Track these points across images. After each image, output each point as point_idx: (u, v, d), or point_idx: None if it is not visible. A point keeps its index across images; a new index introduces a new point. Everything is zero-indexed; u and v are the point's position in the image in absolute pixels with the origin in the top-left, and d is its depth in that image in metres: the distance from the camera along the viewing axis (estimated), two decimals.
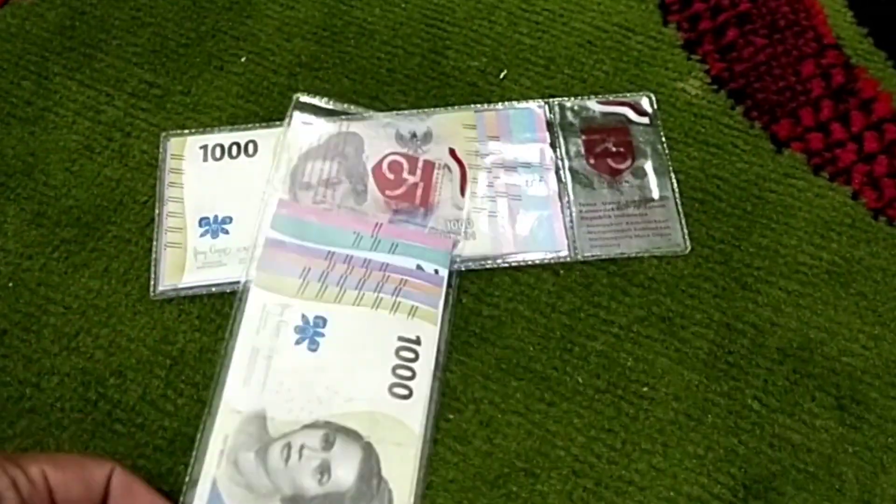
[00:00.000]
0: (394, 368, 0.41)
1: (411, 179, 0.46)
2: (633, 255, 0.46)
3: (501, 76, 0.51)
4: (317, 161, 0.48)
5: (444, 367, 0.42)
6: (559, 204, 0.47)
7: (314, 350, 0.41)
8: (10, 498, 0.29)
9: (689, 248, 0.46)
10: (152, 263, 0.45)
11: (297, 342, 0.41)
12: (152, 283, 0.45)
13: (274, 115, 0.50)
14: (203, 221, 0.46)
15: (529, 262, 0.45)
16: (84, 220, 0.47)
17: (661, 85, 0.51)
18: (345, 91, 0.51)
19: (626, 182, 0.47)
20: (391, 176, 0.46)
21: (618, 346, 0.44)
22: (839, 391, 0.42)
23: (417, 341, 0.41)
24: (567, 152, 0.48)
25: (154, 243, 0.46)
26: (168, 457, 0.41)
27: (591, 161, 0.48)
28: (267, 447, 0.39)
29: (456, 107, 0.50)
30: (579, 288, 0.45)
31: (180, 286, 0.45)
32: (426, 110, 0.49)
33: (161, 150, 0.49)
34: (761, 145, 0.49)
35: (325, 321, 0.42)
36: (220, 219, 0.46)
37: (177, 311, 0.44)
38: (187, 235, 0.46)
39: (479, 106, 0.50)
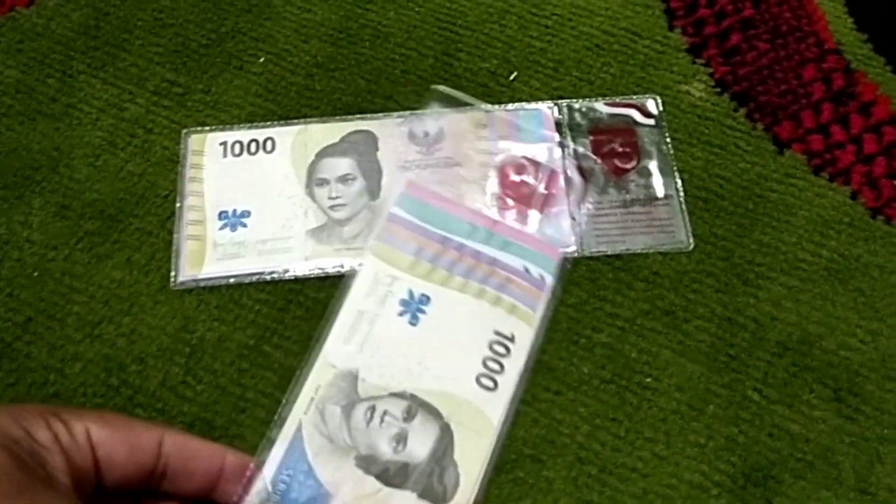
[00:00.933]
0: (485, 360, 0.42)
1: (534, 184, 0.48)
2: (638, 251, 0.47)
3: (511, 78, 0.53)
4: (332, 158, 0.50)
5: (532, 369, 0.43)
6: (567, 201, 0.48)
7: (414, 324, 0.43)
8: (53, 451, 0.29)
9: (693, 245, 0.47)
10: (173, 255, 0.47)
11: (400, 314, 0.43)
12: (173, 273, 0.47)
13: (291, 113, 0.52)
14: (222, 215, 0.48)
15: None
16: (107, 212, 0.49)
17: (667, 87, 0.53)
18: (359, 91, 0.52)
19: (632, 181, 0.49)
20: (516, 178, 0.48)
21: (622, 338, 0.45)
22: (837, 384, 0.44)
23: (512, 339, 0.43)
24: (575, 152, 0.49)
25: (175, 236, 0.48)
26: None
27: (598, 160, 0.49)
28: (353, 405, 0.41)
29: (469, 107, 0.51)
30: (585, 282, 0.47)
31: (200, 277, 0.46)
32: (440, 110, 0.51)
33: (182, 146, 0.50)
34: (763, 146, 0.50)
35: (428, 299, 0.43)
36: (238, 213, 0.48)
37: (196, 301, 0.46)
38: (207, 228, 0.48)
39: (489, 106, 0.51)
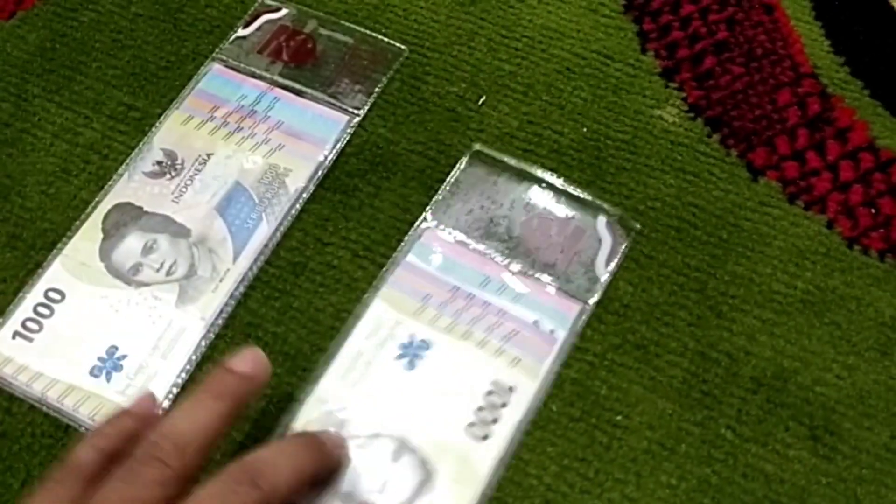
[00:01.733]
0: (478, 409, 0.42)
1: (557, 239, 0.47)
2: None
3: (480, 102, 0.51)
4: (119, 248, 0.46)
5: (529, 428, 0.42)
6: (304, 98, 0.52)
7: (411, 369, 0.43)
8: None
9: None
10: None
11: (398, 357, 0.43)
12: None
13: None
14: (94, 370, 0.43)
15: None
16: (59, 243, 0.47)
17: (639, 112, 0.51)
18: None
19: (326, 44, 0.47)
20: (539, 232, 0.47)
21: (592, 373, 0.44)
22: (812, 421, 0.42)
23: (511, 390, 0.42)
24: (269, 71, 0.51)
25: None
26: None
27: (288, 59, 0.53)
28: None
29: (161, 117, 0.51)
30: None
31: None
32: (143, 140, 0.50)
33: None
34: (737, 173, 0.49)
35: (428, 345, 0.43)
36: (107, 356, 0.44)
37: None
38: (83, 385, 0.43)
39: (175, 103, 0.51)
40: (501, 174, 0.49)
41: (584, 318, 0.44)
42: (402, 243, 0.47)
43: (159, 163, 0.49)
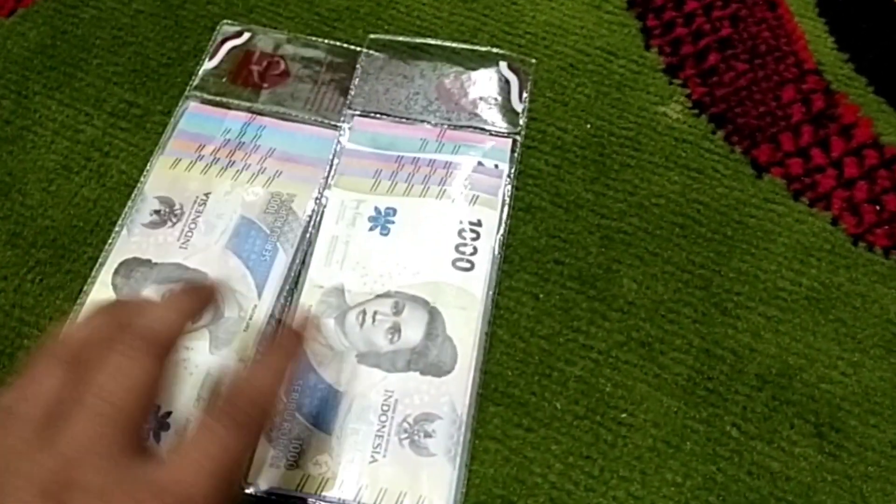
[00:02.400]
0: (457, 246, 0.46)
1: (471, 91, 0.51)
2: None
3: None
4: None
5: (502, 246, 0.46)
6: (296, 124, 0.51)
7: (385, 235, 0.46)
8: None
9: None
10: None
11: (371, 229, 0.47)
12: None
13: None
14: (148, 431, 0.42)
15: None
16: (60, 241, 0.46)
17: (643, 109, 0.51)
18: None
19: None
20: (454, 90, 0.51)
21: (597, 371, 0.43)
22: (818, 418, 0.42)
23: (479, 223, 0.47)
24: (248, 99, 0.49)
25: None
26: None
27: (266, 86, 0.52)
28: (345, 314, 0.44)
29: (147, 165, 0.49)
30: (558, 312, 0.45)
31: None
32: (134, 193, 0.48)
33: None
34: (742, 170, 0.49)
35: (394, 211, 0.47)
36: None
37: None
38: None
39: (159, 148, 0.49)
40: (402, 51, 0.53)
41: (518, 148, 0.49)
42: (339, 134, 0.50)
43: (157, 212, 0.47)
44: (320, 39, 0.53)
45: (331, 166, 0.49)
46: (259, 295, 0.45)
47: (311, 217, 0.47)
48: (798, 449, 0.42)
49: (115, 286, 0.45)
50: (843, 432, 0.42)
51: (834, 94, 0.51)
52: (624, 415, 0.42)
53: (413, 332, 0.43)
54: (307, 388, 0.42)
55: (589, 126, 0.50)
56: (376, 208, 0.47)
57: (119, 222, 0.47)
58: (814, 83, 0.52)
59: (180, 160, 0.49)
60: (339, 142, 0.49)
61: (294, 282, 0.45)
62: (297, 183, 0.48)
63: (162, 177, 0.48)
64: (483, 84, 0.51)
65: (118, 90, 0.52)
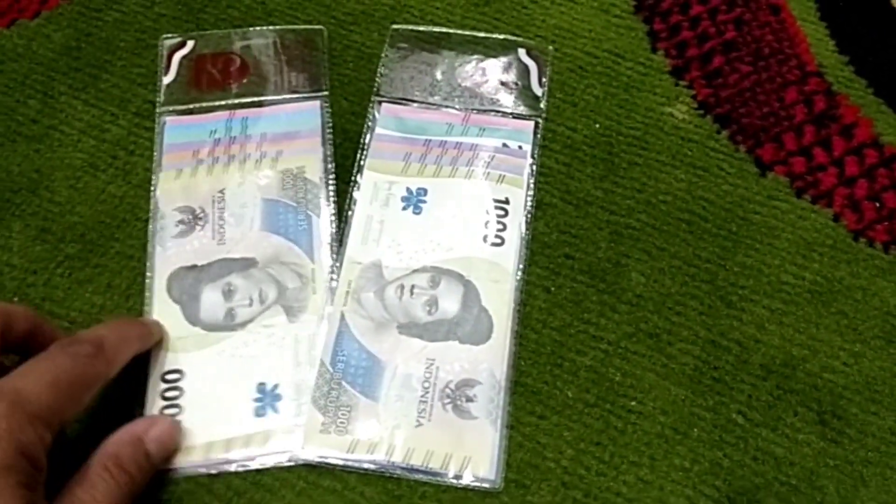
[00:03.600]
0: (487, 223, 0.48)
1: (492, 77, 0.53)
2: None
3: None
4: (201, 307, 0.46)
5: (529, 224, 0.49)
6: (270, 106, 0.53)
7: (418, 213, 0.49)
8: None
9: None
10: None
11: (404, 208, 0.49)
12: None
13: None
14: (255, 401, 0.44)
15: None
16: (88, 236, 0.48)
17: (650, 109, 0.53)
18: (343, 112, 0.52)
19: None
20: (476, 77, 0.53)
21: (606, 361, 0.45)
22: (821, 406, 0.44)
23: (507, 201, 0.49)
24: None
25: None
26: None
27: (228, 81, 0.53)
28: (384, 288, 0.46)
29: (150, 185, 0.50)
30: (569, 305, 0.46)
31: None
32: (153, 212, 0.49)
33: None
34: (746, 168, 0.51)
35: (425, 191, 0.49)
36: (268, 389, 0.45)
37: None
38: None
39: (148, 166, 0.50)
40: (424, 42, 0.54)
41: (540, 130, 0.52)
42: (368, 121, 0.52)
43: (181, 222, 0.48)
44: (263, 28, 0.55)
45: (362, 149, 0.50)
46: (312, 259, 0.47)
47: (325, 179, 0.49)
48: (801, 436, 0.43)
49: (174, 299, 0.46)
50: (844, 420, 0.44)
51: (835, 95, 0.53)
52: (633, 403, 0.44)
53: (450, 303, 0.46)
54: (352, 358, 0.44)
55: (598, 126, 0.52)
56: (408, 189, 0.49)
57: (149, 244, 0.48)
58: (815, 85, 0.54)
59: (182, 170, 0.50)
60: (368, 126, 0.51)
61: (339, 237, 0.48)
62: (300, 155, 0.50)
63: (171, 190, 0.49)
64: (503, 70, 0.53)
65: (142, 91, 0.53)
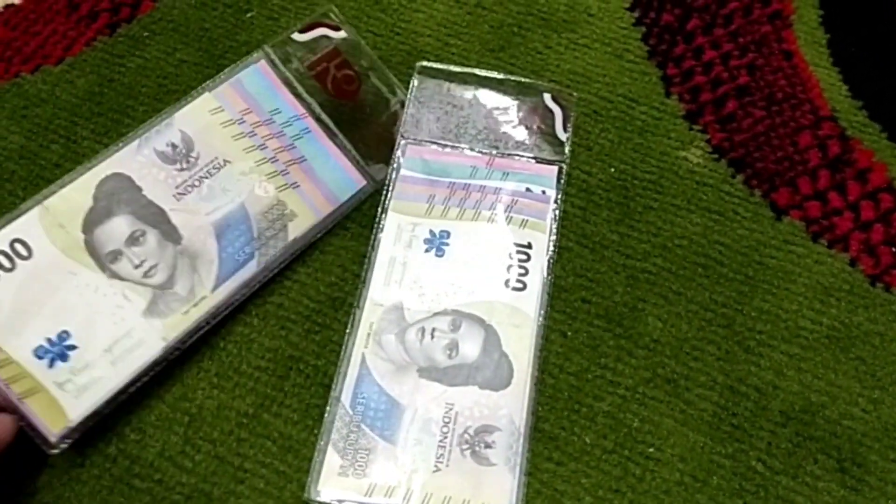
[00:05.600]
0: (509, 267, 0.48)
1: (517, 120, 0.53)
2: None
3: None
4: (104, 224, 0.44)
5: (551, 269, 0.49)
6: (333, 143, 0.51)
7: (441, 256, 0.49)
8: None
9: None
10: None
11: (426, 250, 0.49)
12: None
13: None
14: (39, 351, 0.41)
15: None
16: None
17: (664, 153, 0.53)
18: (361, 155, 0.53)
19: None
20: (501, 119, 0.53)
21: (624, 406, 0.45)
22: (840, 454, 0.43)
23: (529, 246, 0.49)
24: (310, 94, 0.51)
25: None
26: None
27: (333, 92, 0.51)
28: (404, 330, 0.46)
29: (191, 94, 0.49)
30: (586, 349, 0.46)
31: (74, 427, 0.41)
32: (164, 113, 0.48)
33: None
34: (761, 212, 0.51)
35: (448, 234, 0.50)
36: (54, 339, 0.41)
37: (196, 369, 0.46)
38: (35, 375, 0.41)
39: (209, 84, 0.50)
40: (451, 81, 0.54)
41: (563, 175, 0.52)
42: (393, 162, 0.51)
43: (174, 146, 0.46)
44: (399, 84, 0.55)
45: (387, 190, 0.50)
46: (213, 289, 0.45)
47: (296, 244, 0.48)
48: (822, 483, 0.43)
49: (95, 197, 0.44)
50: (864, 467, 0.43)
51: (849, 139, 0.53)
52: (651, 449, 0.44)
53: (470, 348, 0.46)
54: (371, 400, 0.44)
55: (613, 170, 0.53)
56: (431, 231, 0.49)
57: (134, 133, 0.47)
58: (829, 129, 0.54)
59: (222, 110, 0.49)
60: (393, 167, 0.51)
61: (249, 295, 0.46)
62: (304, 205, 0.49)
63: (197, 115, 0.48)
64: (528, 114, 0.53)
65: None
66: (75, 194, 0.44)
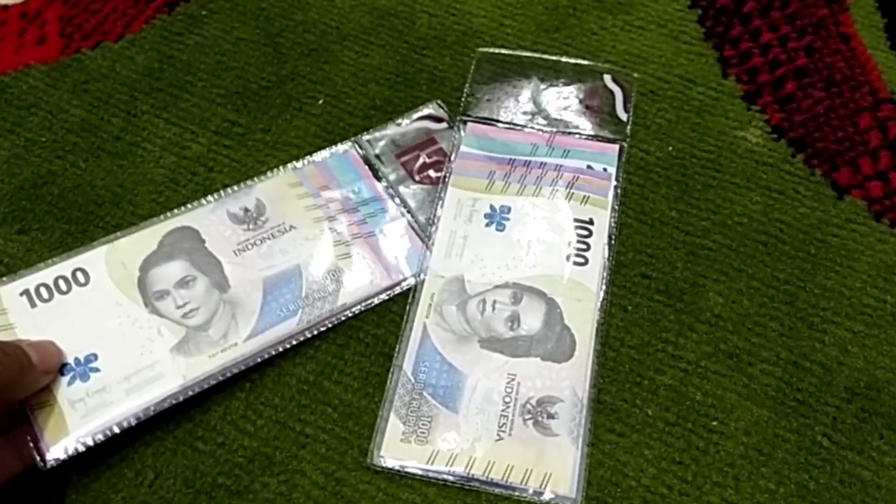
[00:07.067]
0: (570, 242, 0.48)
1: (578, 100, 0.54)
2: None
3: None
4: (160, 266, 0.46)
5: (613, 243, 0.49)
6: (409, 227, 0.50)
7: (501, 230, 0.49)
8: None
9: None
10: None
11: (487, 224, 0.49)
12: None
13: None
14: (66, 368, 0.42)
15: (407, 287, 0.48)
16: None
17: (723, 133, 0.53)
18: None
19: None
20: (561, 100, 0.53)
21: (686, 380, 0.45)
22: None
23: (591, 222, 0.49)
24: (394, 178, 0.51)
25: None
26: (247, 475, 0.42)
27: (417, 178, 0.51)
28: (466, 302, 0.46)
29: (276, 170, 0.51)
30: (647, 324, 0.46)
31: (70, 444, 0.40)
32: (248, 182, 0.50)
33: None
34: (823, 192, 0.50)
35: (509, 209, 0.50)
36: (83, 359, 0.42)
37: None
38: (54, 389, 0.41)
39: (296, 164, 0.51)
40: (510, 64, 0.55)
41: (624, 153, 0.52)
42: (452, 140, 0.52)
43: (246, 210, 0.48)
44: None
45: (447, 164, 0.51)
46: (246, 338, 0.44)
47: (343, 310, 0.46)
48: (888, 458, 0.42)
49: (161, 243, 0.47)
50: None
51: None
52: (715, 423, 0.43)
53: (532, 320, 0.46)
54: (433, 369, 0.44)
55: (671, 148, 0.52)
56: (491, 206, 0.49)
57: (216, 196, 0.49)
58: (889, 111, 0.53)
59: (301, 185, 0.50)
60: (453, 144, 0.52)
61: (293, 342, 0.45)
62: (360, 276, 0.47)
63: (277, 188, 0.50)
64: (588, 95, 0.54)
65: (221, 110, 0.54)
66: (143, 238, 0.47)
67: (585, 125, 0.53)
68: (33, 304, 0.43)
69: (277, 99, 0.55)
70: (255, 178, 0.50)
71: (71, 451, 0.40)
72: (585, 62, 0.55)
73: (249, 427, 0.43)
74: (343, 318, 0.46)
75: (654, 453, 0.43)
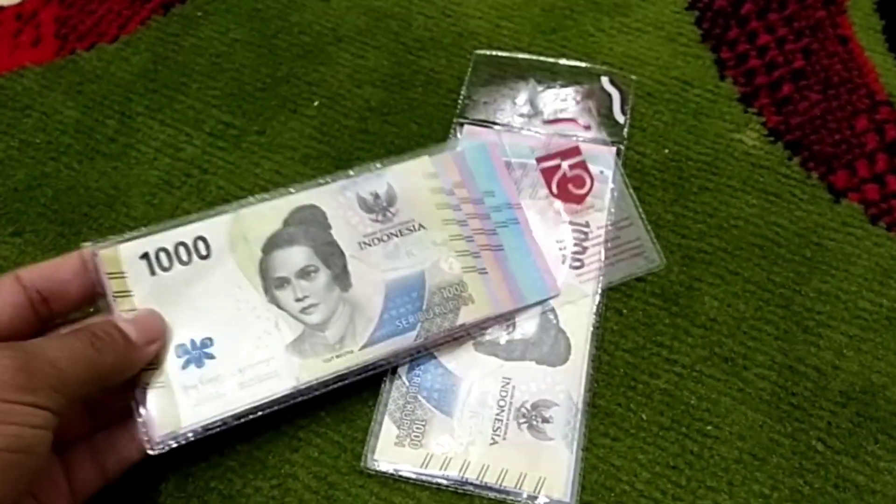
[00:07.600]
0: (566, 245, 0.48)
1: (575, 103, 0.53)
2: (617, 282, 0.47)
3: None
4: (283, 249, 0.43)
5: (608, 246, 0.48)
6: (538, 245, 0.48)
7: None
8: None
9: (664, 262, 0.48)
10: None
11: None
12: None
13: (345, 156, 0.52)
14: (180, 349, 0.40)
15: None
16: None
17: (719, 135, 0.53)
18: (412, 135, 0.53)
19: (591, 207, 0.50)
20: (558, 102, 0.53)
21: (681, 384, 0.44)
22: None
23: (587, 225, 0.49)
24: (530, 185, 0.50)
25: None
26: (239, 478, 0.42)
27: (555, 191, 0.50)
28: None
29: (409, 152, 0.48)
30: (642, 327, 0.46)
31: (180, 433, 0.39)
32: (379, 164, 0.47)
33: (92, 267, 0.40)
34: (819, 195, 0.50)
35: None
36: (198, 342, 0.40)
37: None
38: (167, 370, 0.40)
39: (432, 149, 0.49)
40: (507, 66, 0.55)
41: (622, 156, 0.51)
42: (450, 140, 0.52)
43: (376, 196, 0.45)
44: (637, 201, 0.50)
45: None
46: (362, 347, 0.42)
47: (464, 330, 0.44)
48: (883, 463, 0.42)
49: (286, 222, 0.44)
50: None
51: None
52: (709, 427, 0.43)
53: (527, 324, 0.46)
54: (428, 372, 0.44)
55: (667, 151, 0.52)
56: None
57: (343, 174, 0.46)
58: (886, 114, 0.53)
59: (436, 177, 0.47)
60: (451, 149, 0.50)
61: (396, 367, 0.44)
62: (485, 293, 0.45)
63: (410, 174, 0.47)
64: (585, 97, 0.53)
65: (216, 112, 0.54)
66: (269, 212, 0.44)
67: (582, 127, 0.52)
68: (153, 272, 0.41)
69: (273, 101, 0.55)
70: (388, 160, 0.47)
71: (181, 439, 0.39)
72: (582, 64, 0.55)
73: (242, 430, 0.43)
74: (456, 340, 0.45)
75: (649, 457, 0.42)
